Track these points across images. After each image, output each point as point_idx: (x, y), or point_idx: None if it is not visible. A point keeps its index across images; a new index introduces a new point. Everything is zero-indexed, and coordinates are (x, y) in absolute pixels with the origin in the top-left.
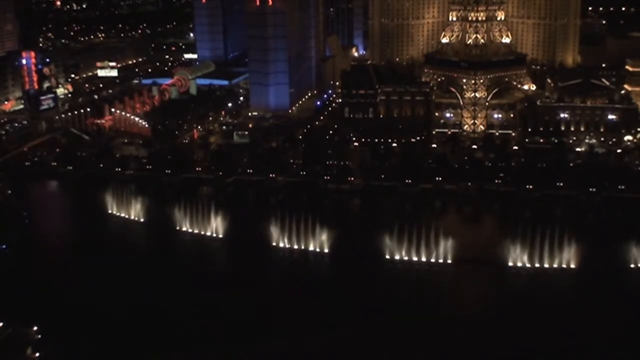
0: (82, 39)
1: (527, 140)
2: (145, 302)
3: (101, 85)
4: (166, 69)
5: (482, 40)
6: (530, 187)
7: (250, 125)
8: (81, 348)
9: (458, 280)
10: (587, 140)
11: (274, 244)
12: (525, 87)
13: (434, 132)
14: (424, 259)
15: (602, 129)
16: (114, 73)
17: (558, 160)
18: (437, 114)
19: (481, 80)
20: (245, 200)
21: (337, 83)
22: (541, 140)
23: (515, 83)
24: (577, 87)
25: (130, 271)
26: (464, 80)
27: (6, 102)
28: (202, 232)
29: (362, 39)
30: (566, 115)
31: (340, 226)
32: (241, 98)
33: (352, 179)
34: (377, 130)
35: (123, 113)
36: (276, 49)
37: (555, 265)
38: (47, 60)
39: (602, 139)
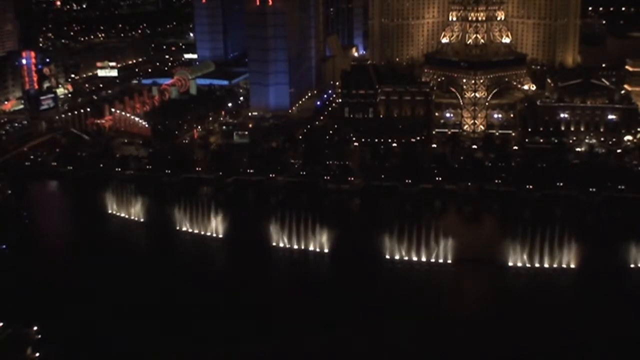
0: (82, 39)
1: (527, 140)
2: (145, 302)
3: (101, 85)
4: (166, 69)
5: (482, 40)
6: (530, 187)
7: (250, 125)
8: (81, 348)
9: (458, 280)
10: (587, 140)
11: (274, 244)
12: (525, 87)
13: (434, 132)
14: (424, 259)
15: (602, 129)
16: (114, 73)
17: (558, 160)
18: (437, 114)
19: (481, 80)
20: (245, 200)
21: (337, 83)
22: (541, 140)
23: (515, 83)
24: (577, 87)
25: (130, 271)
26: (464, 80)
27: (6, 102)
28: (202, 232)
29: (362, 39)
30: (566, 115)
31: (340, 226)
32: (241, 98)
33: (352, 179)
34: (377, 130)
35: (123, 113)
36: (276, 49)
37: (555, 265)
38: (47, 60)
39: (602, 139)
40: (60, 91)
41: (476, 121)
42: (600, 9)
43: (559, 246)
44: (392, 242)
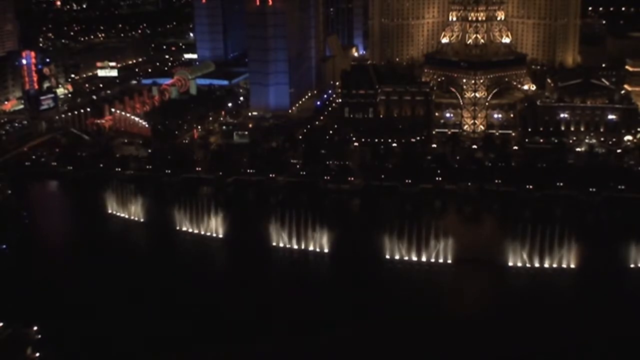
0: (82, 39)
1: (527, 140)
2: (145, 302)
3: (101, 85)
4: (166, 69)
5: (482, 40)
6: (530, 187)
7: (250, 125)
8: (81, 348)
9: (458, 280)
10: (587, 140)
11: (274, 244)
12: (525, 87)
13: (434, 132)
14: (424, 259)
15: (602, 129)
16: (114, 73)
17: (558, 160)
18: (437, 114)
19: (481, 80)
20: (245, 200)
21: (337, 83)
22: (541, 140)
23: (515, 83)
24: (577, 87)
25: (130, 271)
26: (464, 80)
27: (6, 102)
28: (202, 232)
29: (362, 39)
30: (566, 115)
31: (340, 226)
32: (241, 98)
33: (352, 179)
34: (377, 130)
35: (123, 113)
36: (276, 49)
37: (555, 265)
38: (47, 60)
39: (602, 139)
40: (60, 91)
41: (476, 121)
42: (600, 9)
43: (559, 246)
44: (392, 242)
